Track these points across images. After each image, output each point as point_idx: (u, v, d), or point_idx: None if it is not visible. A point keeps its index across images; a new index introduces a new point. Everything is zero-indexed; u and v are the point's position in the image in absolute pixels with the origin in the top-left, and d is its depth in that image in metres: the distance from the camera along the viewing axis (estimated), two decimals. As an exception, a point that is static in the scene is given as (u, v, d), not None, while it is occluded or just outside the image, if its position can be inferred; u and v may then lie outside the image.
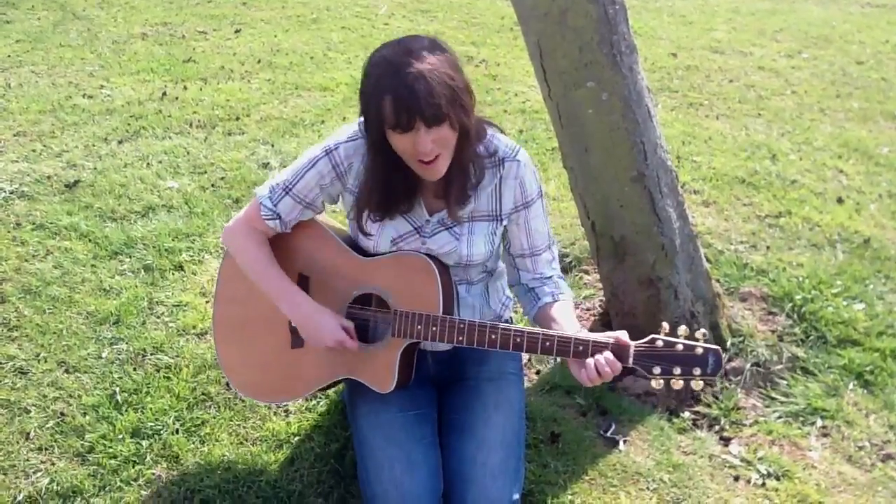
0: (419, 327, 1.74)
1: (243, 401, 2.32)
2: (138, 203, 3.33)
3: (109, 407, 2.27)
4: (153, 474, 2.08)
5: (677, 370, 1.62)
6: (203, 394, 2.34)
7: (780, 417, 2.50)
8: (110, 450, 2.14)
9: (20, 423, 2.21)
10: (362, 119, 1.67)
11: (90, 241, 3.06)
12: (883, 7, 8.02)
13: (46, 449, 2.14)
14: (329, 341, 1.77)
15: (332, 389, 2.28)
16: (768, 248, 3.26)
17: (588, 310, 2.88)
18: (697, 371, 1.62)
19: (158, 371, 2.42)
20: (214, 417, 2.27)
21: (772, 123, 4.68)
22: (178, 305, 2.73)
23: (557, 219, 3.41)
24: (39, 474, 2.06)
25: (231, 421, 2.26)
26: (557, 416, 2.38)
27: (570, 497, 2.11)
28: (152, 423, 2.22)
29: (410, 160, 1.65)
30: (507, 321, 2.02)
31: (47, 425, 2.21)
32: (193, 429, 2.23)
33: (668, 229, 2.46)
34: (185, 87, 4.69)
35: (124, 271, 2.90)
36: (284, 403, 2.31)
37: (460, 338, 1.72)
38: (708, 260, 2.82)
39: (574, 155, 2.47)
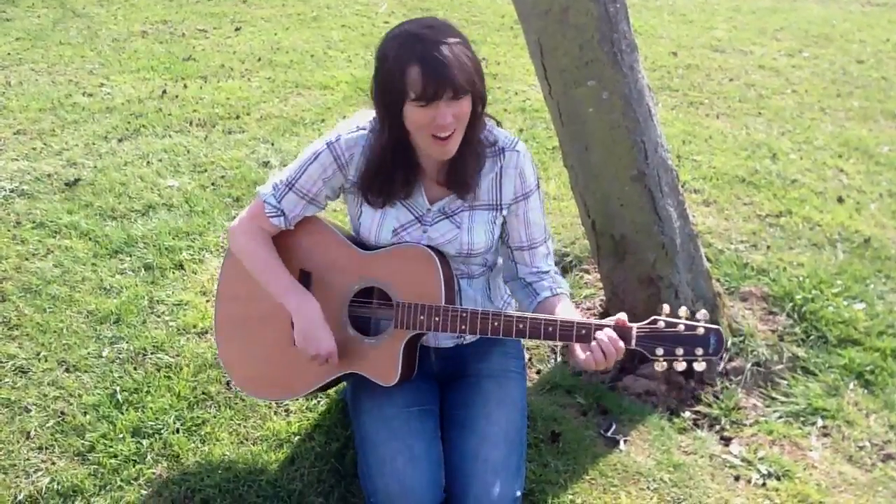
0: (422, 318, 1.74)
1: (244, 400, 2.32)
2: (138, 202, 3.33)
3: (110, 406, 2.27)
4: (153, 473, 2.08)
5: (680, 351, 1.62)
6: (203, 393, 2.34)
7: (780, 417, 2.50)
8: (111, 449, 2.13)
9: (20, 423, 2.21)
10: (376, 97, 1.67)
11: (90, 239, 3.05)
12: (883, 6, 8.01)
13: (47, 448, 2.14)
14: (315, 350, 1.77)
15: (333, 389, 2.28)
16: (769, 247, 3.26)
17: (588, 309, 2.88)
18: (700, 351, 1.61)
19: (159, 370, 2.42)
20: (215, 417, 2.27)
21: (772, 122, 4.68)
22: (178, 304, 2.73)
23: (558, 218, 3.41)
24: (40, 473, 2.06)
25: (231, 420, 2.26)
26: (558, 415, 2.37)
27: (570, 497, 2.11)
28: (153, 423, 2.22)
29: (424, 137, 1.65)
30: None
31: (47, 424, 2.21)
32: (194, 428, 2.23)
33: (668, 228, 2.46)
34: (186, 86, 4.68)
35: (125, 270, 2.90)
36: (285, 402, 2.31)
37: (463, 326, 1.72)
38: (708, 259, 2.82)
39: (574, 153, 2.46)
